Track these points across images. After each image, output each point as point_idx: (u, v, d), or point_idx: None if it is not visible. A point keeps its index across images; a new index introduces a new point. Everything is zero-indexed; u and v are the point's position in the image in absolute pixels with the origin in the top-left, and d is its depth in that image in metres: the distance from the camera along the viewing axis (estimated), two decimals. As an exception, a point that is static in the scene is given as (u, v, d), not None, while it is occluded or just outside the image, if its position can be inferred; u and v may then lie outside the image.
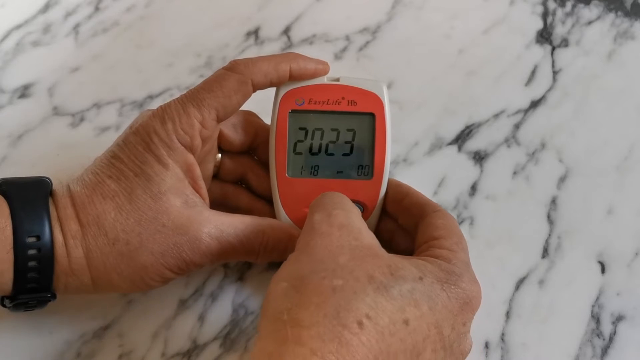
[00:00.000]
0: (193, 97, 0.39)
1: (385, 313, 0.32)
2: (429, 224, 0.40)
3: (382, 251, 0.36)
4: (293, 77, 0.42)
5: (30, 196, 0.37)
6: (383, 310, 0.32)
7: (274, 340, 0.31)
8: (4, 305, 0.38)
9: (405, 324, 0.32)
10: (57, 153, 0.49)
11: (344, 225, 0.36)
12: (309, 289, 0.32)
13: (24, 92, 0.52)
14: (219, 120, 0.40)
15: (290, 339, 0.31)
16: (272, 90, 0.43)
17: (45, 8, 0.57)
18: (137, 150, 0.39)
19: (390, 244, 0.45)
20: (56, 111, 0.51)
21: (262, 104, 0.44)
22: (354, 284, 0.32)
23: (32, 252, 0.36)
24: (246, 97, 0.41)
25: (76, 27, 0.56)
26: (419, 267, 0.35)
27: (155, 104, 0.51)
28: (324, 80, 0.43)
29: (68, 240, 0.37)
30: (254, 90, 0.41)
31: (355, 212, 0.38)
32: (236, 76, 0.40)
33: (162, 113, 0.39)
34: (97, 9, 0.57)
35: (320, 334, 0.30)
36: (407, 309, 0.33)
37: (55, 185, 0.39)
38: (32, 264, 0.36)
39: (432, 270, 0.35)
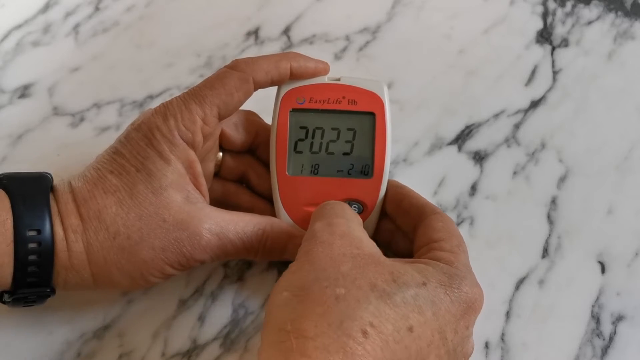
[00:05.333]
0: (195, 94, 0.40)
1: (389, 321, 0.32)
2: (427, 226, 0.40)
3: (384, 258, 0.36)
4: (294, 76, 0.42)
5: (31, 190, 0.37)
6: (387, 318, 0.32)
7: (279, 352, 0.31)
8: (3, 302, 0.38)
9: (410, 331, 0.32)
10: (57, 153, 0.49)
11: (345, 234, 0.36)
12: (312, 298, 0.32)
13: (24, 92, 0.52)
14: (221, 117, 0.40)
15: (295, 350, 0.30)
16: (273, 89, 0.43)
17: (45, 8, 0.57)
18: (139, 145, 0.39)
19: (389, 245, 0.45)
20: (56, 111, 0.51)
21: (263, 103, 0.44)
22: (357, 293, 0.32)
23: (32, 245, 0.36)
24: (247, 94, 0.41)
25: (76, 27, 0.56)
26: (421, 272, 0.35)
27: (155, 104, 0.51)
28: (325, 79, 0.43)
29: (68, 235, 0.37)
30: (256, 89, 0.41)
31: (357, 221, 0.38)
32: (238, 74, 0.40)
33: (164, 110, 0.39)
34: (97, 9, 0.57)
35: (326, 344, 0.30)
36: (410, 316, 0.33)
37: (57, 182, 0.39)
38: (32, 257, 0.36)
39: (435, 274, 0.35)
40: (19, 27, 0.55)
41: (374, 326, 0.31)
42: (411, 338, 0.32)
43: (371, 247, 0.36)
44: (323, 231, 0.36)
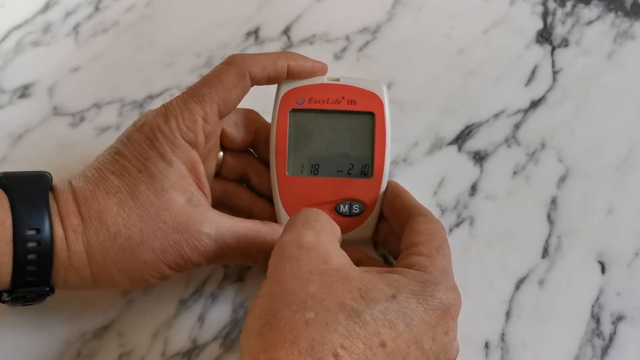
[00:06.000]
0: (194, 93, 0.40)
1: (360, 339, 0.31)
2: (411, 228, 0.40)
3: (354, 271, 0.35)
4: (291, 74, 0.42)
5: (30, 190, 0.37)
6: (357, 337, 0.31)
7: None
8: (2, 301, 0.38)
9: (382, 347, 0.32)
10: (57, 153, 0.49)
11: (312, 247, 0.35)
12: (282, 324, 0.31)
13: (24, 92, 0.52)
14: (221, 115, 0.40)
15: None
16: (274, 88, 0.43)
17: (45, 8, 0.57)
18: (140, 147, 0.39)
19: (385, 246, 0.45)
20: (56, 111, 0.51)
21: (263, 102, 0.44)
22: (326, 315, 0.32)
23: (31, 245, 0.36)
24: (245, 90, 0.41)
25: (76, 27, 0.56)
26: (392, 284, 0.34)
27: (155, 104, 0.51)
28: (324, 80, 0.43)
29: (68, 234, 0.37)
30: (253, 84, 0.41)
31: (328, 230, 0.37)
32: (234, 69, 0.40)
33: (165, 111, 0.39)
34: (97, 9, 0.57)
35: None
36: (382, 332, 0.32)
37: (56, 181, 0.39)
38: (31, 257, 0.36)
39: (406, 284, 0.34)
40: (19, 27, 0.56)
41: (345, 347, 0.31)
42: (384, 354, 0.32)
43: (340, 259, 0.35)
44: (290, 245, 0.35)
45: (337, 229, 0.38)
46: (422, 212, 0.41)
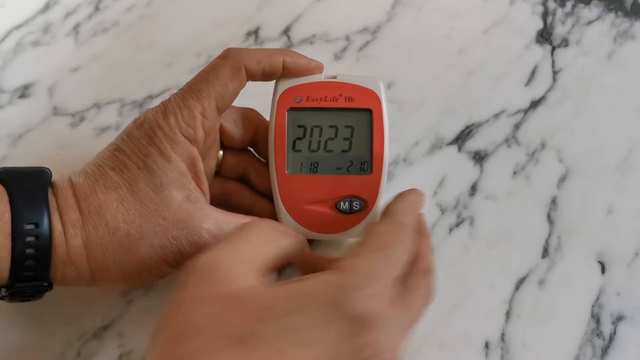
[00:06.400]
0: (191, 89, 0.40)
1: None
2: (368, 229, 0.36)
3: (255, 291, 0.31)
4: (287, 70, 0.42)
5: (29, 185, 0.37)
6: None
7: None
8: (0, 297, 0.38)
9: None
10: (57, 153, 0.49)
11: (217, 268, 0.32)
12: (166, 357, 0.29)
13: (24, 92, 0.52)
14: (219, 110, 0.40)
15: None
16: (273, 85, 0.43)
17: (45, 8, 0.57)
18: (140, 143, 0.39)
19: None
20: (56, 111, 0.51)
21: (262, 100, 0.44)
22: (211, 344, 0.29)
23: (30, 239, 0.36)
24: (241, 83, 0.41)
25: (76, 27, 0.56)
26: (300, 296, 0.31)
27: (155, 104, 0.51)
28: (321, 77, 0.43)
29: (67, 230, 0.37)
30: (248, 78, 0.41)
31: (254, 245, 0.34)
32: (230, 63, 0.40)
33: (164, 108, 0.40)
34: (97, 9, 0.57)
35: None
36: (279, 354, 0.29)
37: (56, 177, 0.39)
38: (29, 251, 0.36)
39: (316, 292, 0.31)
40: (19, 27, 0.56)
41: None
42: None
43: (244, 281, 0.32)
44: (194, 267, 0.32)
45: (292, 242, 0.36)
46: (390, 213, 0.37)
